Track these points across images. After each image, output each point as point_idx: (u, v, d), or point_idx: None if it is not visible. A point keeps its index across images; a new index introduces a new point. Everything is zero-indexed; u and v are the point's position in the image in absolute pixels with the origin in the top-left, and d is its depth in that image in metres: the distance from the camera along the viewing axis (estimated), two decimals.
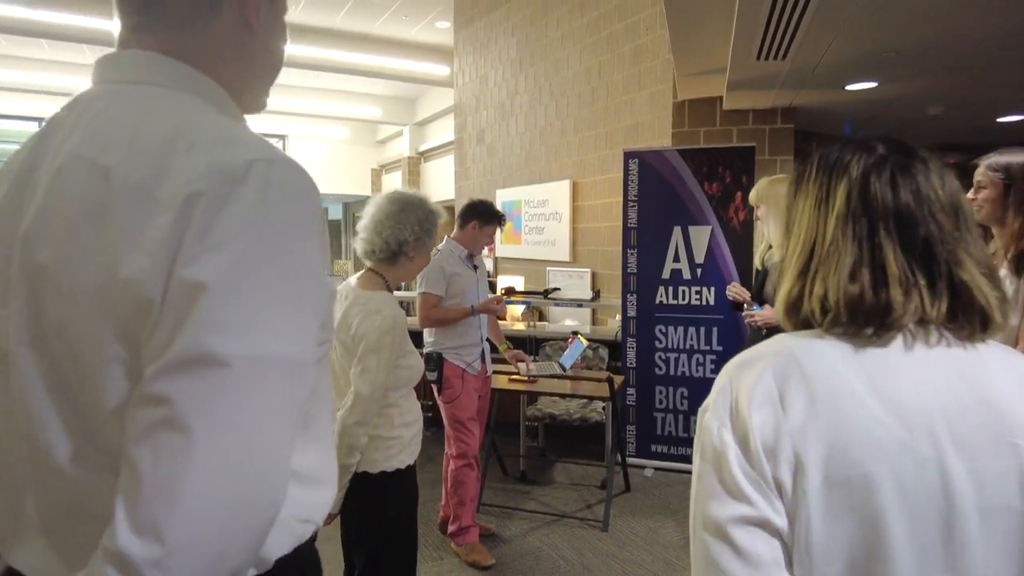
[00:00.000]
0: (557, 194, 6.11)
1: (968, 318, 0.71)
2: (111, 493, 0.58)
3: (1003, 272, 1.96)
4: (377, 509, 1.76)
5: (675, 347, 4.15)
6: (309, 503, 0.77)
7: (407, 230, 1.82)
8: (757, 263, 2.98)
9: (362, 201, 18.36)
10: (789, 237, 0.81)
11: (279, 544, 0.73)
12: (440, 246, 3.10)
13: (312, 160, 16.41)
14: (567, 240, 5.99)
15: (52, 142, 0.67)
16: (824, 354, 0.70)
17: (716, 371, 4.07)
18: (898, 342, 0.70)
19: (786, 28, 2.71)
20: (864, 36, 2.83)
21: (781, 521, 0.66)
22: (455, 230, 3.19)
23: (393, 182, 16.37)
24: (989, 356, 0.71)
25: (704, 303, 4.08)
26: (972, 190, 2.00)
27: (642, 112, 5.06)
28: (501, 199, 7.14)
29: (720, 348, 4.06)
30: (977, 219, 2.00)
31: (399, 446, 1.77)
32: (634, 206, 4.21)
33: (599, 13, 5.56)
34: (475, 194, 7.78)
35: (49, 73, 11.26)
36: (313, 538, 0.80)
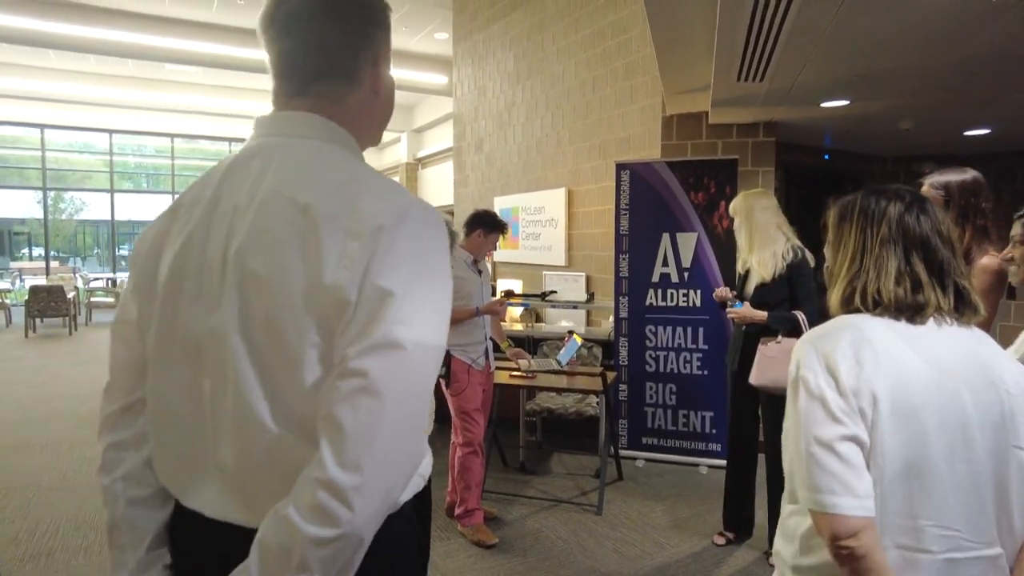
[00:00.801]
0: (553, 201, 6.40)
1: (967, 310, 1.12)
2: (296, 448, 0.80)
3: None
4: None
5: (664, 346, 4.44)
6: (424, 462, 0.98)
7: None
8: (739, 268, 3.27)
9: None
10: (837, 252, 1.19)
11: (407, 492, 0.93)
12: None
13: None
14: (563, 245, 6.28)
15: (237, 182, 0.89)
16: (880, 328, 1.08)
17: (702, 368, 4.38)
18: (926, 323, 1.09)
19: (761, 55, 3.00)
20: (831, 63, 3.13)
21: (865, 437, 1.00)
22: (461, 238, 3.46)
23: None
24: (976, 333, 1.13)
25: (691, 305, 4.37)
26: None
27: (634, 125, 5.35)
28: (499, 206, 7.41)
29: (706, 347, 4.35)
30: None
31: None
32: (625, 214, 4.50)
33: (593, 30, 5.86)
34: (474, 201, 8.06)
35: (54, 81, 11.51)
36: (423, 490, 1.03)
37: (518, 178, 7.15)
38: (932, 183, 2.28)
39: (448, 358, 3.28)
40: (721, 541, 3.27)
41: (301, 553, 0.75)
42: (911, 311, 1.08)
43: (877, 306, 1.10)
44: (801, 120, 4.55)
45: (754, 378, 2.88)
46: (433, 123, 14.12)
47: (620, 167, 4.48)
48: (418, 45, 10.39)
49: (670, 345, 4.42)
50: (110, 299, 11.87)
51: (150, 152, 16.67)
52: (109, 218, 15.46)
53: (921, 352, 1.05)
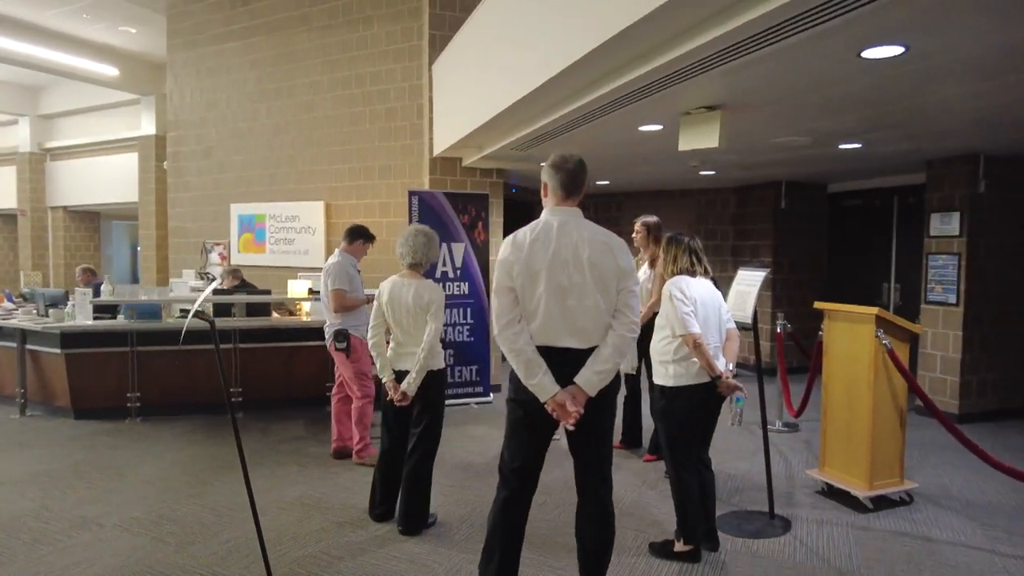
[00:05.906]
0: (310, 212, 7.43)
1: (708, 273, 3.29)
2: (607, 319, 2.38)
3: (646, 266, 4.63)
4: (434, 390, 3.43)
5: (446, 323, 6.17)
6: None
7: (433, 253, 3.52)
8: None
9: None
10: (667, 255, 3.26)
11: None
12: (336, 258, 4.54)
13: None
14: (322, 250, 7.36)
15: (566, 233, 2.40)
16: (688, 278, 3.23)
17: (471, 336, 6.29)
18: (697, 278, 3.25)
19: (540, 143, 5.05)
20: (570, 149, 5.37)
21: (694, 311, 3.09)
22: (345, 245, 4.62)
23: (2, 179, 13.81)
24: (708, 281, 3.27)
25: (462, 293, 6.23)
26: (635, 232, 4.63)
27: (395, 157, 6.89)
28: (238, 212, 7.98)
29: (472, 321, 6.25)
30: (636, 246, 4.67)
31: (442, 356, 3.46)
32: None
33: (352, 74, 7.13)
34: (200, 204, 8.36)
35: None
36: None
37: (263, 188, 7.85)
38: (642, 222, 4.63)
39: (347, 335, 4.45)
40: None
41: (625, 344, 2.43)
42: (692, 273, 3.20)
43: (684, 273, 3.17)
44: (519, 170, 6.82)
45: None
46: (72, 112, 12.66)
47: (412, 193, 6.06)
48: (95, 34, 9.67)
49: (448, 322, 6.18)
50: None
51: None
52: None
53: (702, 286, 3.18)
